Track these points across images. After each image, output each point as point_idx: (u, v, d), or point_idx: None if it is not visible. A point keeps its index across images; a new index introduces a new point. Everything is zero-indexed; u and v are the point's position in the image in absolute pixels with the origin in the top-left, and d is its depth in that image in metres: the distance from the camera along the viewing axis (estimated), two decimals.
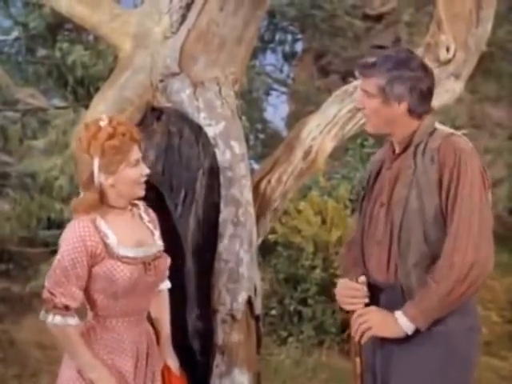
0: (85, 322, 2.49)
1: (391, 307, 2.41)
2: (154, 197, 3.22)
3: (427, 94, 2.48)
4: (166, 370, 2.65)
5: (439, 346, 2.37)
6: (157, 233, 2.64)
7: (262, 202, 3.59)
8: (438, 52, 3.60)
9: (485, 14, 3.64)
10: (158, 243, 2.61)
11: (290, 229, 6.68)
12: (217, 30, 3.45)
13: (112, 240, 2.44)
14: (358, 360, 2.51)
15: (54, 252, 2.47)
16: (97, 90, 4.96)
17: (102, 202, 2.47)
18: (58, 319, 2.39)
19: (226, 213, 3.29)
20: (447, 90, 3.67)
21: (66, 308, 2.39)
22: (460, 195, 2.33)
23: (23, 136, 8.16)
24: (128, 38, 3.57)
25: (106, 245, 2.43)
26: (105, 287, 2.43)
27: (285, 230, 6.66)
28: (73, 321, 2.41)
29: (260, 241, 3.59)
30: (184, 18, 3.49)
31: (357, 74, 2.54)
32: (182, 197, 3.24)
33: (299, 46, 12.70)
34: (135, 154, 2.49)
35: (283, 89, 12.96)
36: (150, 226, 2.63)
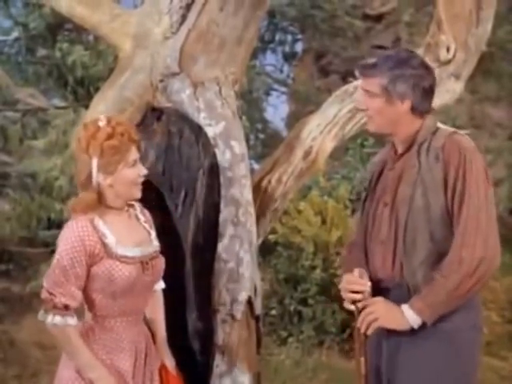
0: (83, 322, 2.49)
1: (397, 305, 2.41)
2: (154, 197, 3.23)
3: (429, 92, 2.49)
4: (163, 369, 2.66)
5: (444, 343, 2.38)
6: (153, 233, 2.65)
7: (262, 202, 3.59)
8: (438, 52, 3.60)
9: (485, 14, 3.64)
10: (155, 243, 2.63)
11: (290, 229, 6.68)
12: (217, 30, 3.45)
13: (110, 240, 2.44)
14: (362, 360, 2.50)
15: (54, 252, 2.47)
16: (97, 90, 4.96)
17: (100, 202, 2.47)
18: (57, 319, 2.39)
19: (226, 213, 3.29)
20: (447, 90, 3.67)
21: (66, 308, 2.40)
22: (467, 192, 2.35)
23: (23, 136, 8.16)
24: (128, 38, 3.57)
25: (104, 244, 2.43)
26: (103, 287, 2.44)
27: (285, 230, 6.67)
28: (72, 321, 2.41)
29: (260, 241, 3.59)
30: (184, 18, 3.49)
31: (358, 74, 2.54)
32: (182, 197, 3.24)
33: (299, 46, 12.72)
34: (133, 154, 2.50)
35: (283, 89, 12.97)
36: (147, 226, 2.64)
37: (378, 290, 2.49)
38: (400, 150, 2.54)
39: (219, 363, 3.21)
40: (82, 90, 7.67)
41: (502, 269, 2.66)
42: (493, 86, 9.47)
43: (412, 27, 9.79)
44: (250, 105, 10.06)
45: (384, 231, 2.49)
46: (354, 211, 6.92)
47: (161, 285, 2.74)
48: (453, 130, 2.50)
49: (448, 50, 3.60)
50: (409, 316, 2.36)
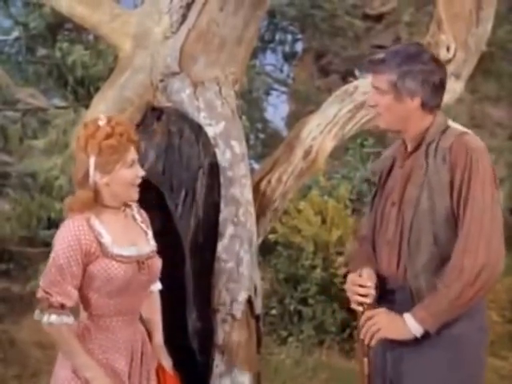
0: (78, 321, 2.49)
1: (400, 308, 2.39)
2: (154, 196, 3.23)
3: (439, 87, 2.45)
4: (160, 369, 2.66)
5: (450, 349, 2.36)
6: (150, 233, 2.65)
7: (262, 202, 3.59)
8: (438, 52, 3.59)
9: (485, 14, 3.63)
10: (152, 243, 2.62)
11: (290, 228, 6.68)
12: (217, 29, 3.45)
13: (106, 239, 2.45)
14: (365, 360, 2.49)
15: None
16: (97, 89, 4.96)
17: (96, 201, 2.47)
18: (53, 318, 2.39)
19: (226, 212, 3.29)
20: (447, 90, 3.63)
21: (62, 307, 2.40)
22: (472, 195, 2.32)
23: (23, 136, 8.17)
24: (128, 37, 3.57)
25: (100, 244, 2.43)
26: (99, 286, 2.44)
27: (285, 230, 6.67)
28: (68, 320, 2.41)
29: (260, 240, 3.59)
30: (184, 17, 3.49)
31: (367, 70, 2.51)
32: (183, 196, 3.24)
33: (299, 46, 12.70)
34: (132, 154, 2.50)
35: (283, 88, 12.96)
36: (143, 226, 2.64)
37: (383, 290, 2.48)
38: (410, 148, 2.50)
39: (219, 363, 3.21)
40: (82, 90, 7.67)
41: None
42: (493, 85, 9.46)
43: (412, 27, 9.79)
44: (250, 104, 10.06)
45: (391, 231, 2.48)
46: (354, 211, 6.94)
47: (158, 286, 2.74)
48: (463, 129, 2.46)
49: (448, 49, 3.60)
50: (411, 325, 2.34)
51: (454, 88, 3.68)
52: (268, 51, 12.09)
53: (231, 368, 3.22)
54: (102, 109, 3.41)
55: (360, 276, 2.48)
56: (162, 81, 3.44)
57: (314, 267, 6.43)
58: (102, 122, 2.46)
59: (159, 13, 3.51)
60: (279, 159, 3.67)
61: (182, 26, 3.49)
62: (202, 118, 3.36)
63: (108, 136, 2.43)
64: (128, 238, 2.52)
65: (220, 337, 3.22)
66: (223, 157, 3.32)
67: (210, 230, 3.25)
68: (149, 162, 3.27)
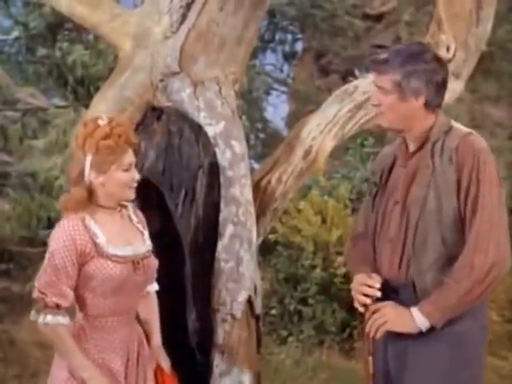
0: (74, 321, 2.49)
1: (403, 306, 2.40)
2: (154, 196, 3.23)
3: (442, 86, 2.46)
4: (158, 370, 2.65)
5: (453, 345, 2.38)
6: (146, 233, 2.64)
7: (262, 202, 3.59)
8: (438, 52, 3.59)
9: (485, 14, 3.63)
10: (147, 243, 2.62)
11: (290, 228, 6.68)
12: (217, 29, 3.46)
13: (101, 239, 2.44)
14: (370, 359, 2.50)
15: None
16: (97, 89, 4.96)
17: (91, 201, 2.47)
18: (49, 318, 2.39)
19: (226, 212, 3.29)
20: (447, 90, 3.66)
21: (57, 307, 2.40)
22: (481, 196, 2.34)
23: (23, 136, 8.17)
24: (128, 37, 3.57)
25: (95, 244, 2.43)
26: (95, 286, 2.44)
27: (285, 230, 6.67)
28: (64, 320, 2.41)
29: (260, 240, 3.59)
30: (184, 17, 3.50)
31: (370, 70, 2.51)
32: (182, 196, 3.24)
33: (299, 46, 12.70)
34: (129, 157, 2.48)
35: (283, 88, 12.96)
36: (140, 226, 2.63)
37: (384, 288, 2.48)
38: (412, 148, 2.50)
39: (219, 363, 3.21)
40: (82, 90, 7.67)
41: None
42: (493, 85, 9.46)
43: (412, 27, 9.79)
44: (249, 104, 10.06)
45: (393, 230, 2.48)
46: (354, 210, 6.93)
47: (154, 287, 2.73)
48: (468, 130, 2.47)
49: (448, 49, 3.60)
50: (418, 319, 2.36)
51: (454, 88, 3.68)
52: (268, 51, 12.10)
53: (231, 368, 3.22)
54: (102, 108, 3.41)
55: (366, 277, 2.49)
56: (161, 80, 3.44)
57: (313, 267, 6.42)
58: (102, 122, 2.46)
59: (159, 13, 3.51)
60: (279, 159, 3.67)
61: (182, 25, 3.49)
62: (201, 117, 3.36)
63: (106, 136, 2.42)
64: (123, 237, 2.52)
65: (220, 336, 3.22)
66: (223, 157, 3.32)
67: (210, 230, 3.25)
68: (149, 161, 3.27)
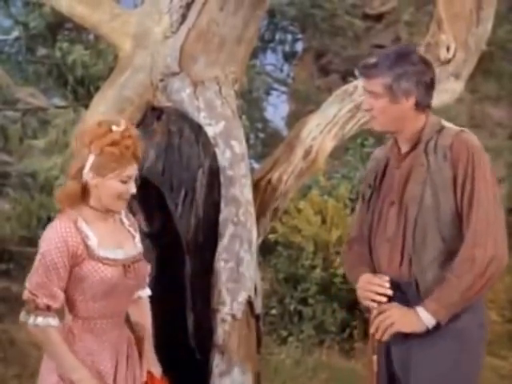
0: (63, 323, 2.48)
1: (405, 304, 2.41)
2: (155, 196, 3.23)
3: (430, 86, 2.50)
4: (148, 375, 2.64)
5: (455, 341, 2.39)
6: (137, 236, 2.63)
7: (262, 202, 3.59)
8: (438, 52, 3.60)
9: (485, 14, 3.64)
10: (139, 246, 2.61)
11: (290, 228, 6.68)
12: (217, 29, 3.46)
13: (93, 241, 2.43)
14: (375, 358, 2.50)
15: None
16: (97, 89, 4.97)
17: (83, 199, 2.46)
18: (39, 320, 2.38)
19: (226, 212, 3.29)
20: (447, 90, 3.67)
21: (48, 309, 2.38)
22: (477, 191, 2.37)
23: (23, 135, 8.18)
24: (128, 37, 3.57)
25: (86, 246, 2.42)
26: (85, 288, 2.43)
27: (285, 230, 6.67)
28: (54, 322, 2.40)
29: (260, 240, 3.59)
30: (184, 17, 3.50)
31: (359, 75, 2.54)
32: (182, 196, 3.24)
33: (299, 46, 12.73)
34: (131, 170, 2.46)
35: (283, 88, 12.98)
36: (131, 229, 2.62)
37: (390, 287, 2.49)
38: (405, 149, 2.53)
39: (219, 363, 3.21)
40: (82, 90, 7.67)
41: None
42: (493, 85, 9.47)
43: (412, 27, 9.80)
44: (250, 104, 10.07)
45: (391, 229, 2.49)
46: (354, 210, 6.93)
47: (147, 292, 2.71)
48: (459, 128, 2.51)
49: (448, 49, 3.60)
50: (424, 318, 2.37)
51: (454, 88, 3.68)
52: (268, 51, 12.11)
53: (231, 368, 3.22)
54: (102, 108, 3.41)
55: (375, 276, 2.49)
56: (161, 80, 3.44)
57: (313, 267, 6.43)
58: (115, 128, 2.42)
59: (159, 13, 3.51)
60: (279, 159, 3.67)
61: (182, 25, 3.49)
62: (201, 117, 3.36)
63: (114, 143, 2.40)
64: (115, 240, 2.51)
65: (220, 337, 3.22)
66: (223, 156, 3.32)
67: (210, 230, 3.25)
68: (149, 161, 3.27)
